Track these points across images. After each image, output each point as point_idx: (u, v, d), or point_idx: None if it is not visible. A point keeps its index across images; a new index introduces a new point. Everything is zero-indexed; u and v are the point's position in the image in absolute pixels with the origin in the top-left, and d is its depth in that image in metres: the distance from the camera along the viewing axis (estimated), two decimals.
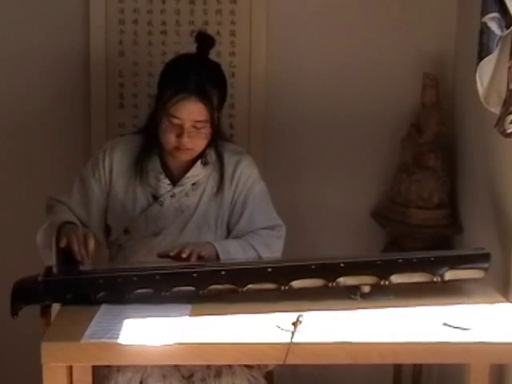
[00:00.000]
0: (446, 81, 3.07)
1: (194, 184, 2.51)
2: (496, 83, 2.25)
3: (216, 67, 2.51)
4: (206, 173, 2.51)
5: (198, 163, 2.50)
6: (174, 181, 2.51)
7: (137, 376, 2.31)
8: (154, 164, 2.50)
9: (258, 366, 2.39)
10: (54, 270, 2.23)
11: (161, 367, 2.29)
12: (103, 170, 2.51)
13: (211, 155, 2.51)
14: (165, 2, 3.04)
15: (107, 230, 2.56)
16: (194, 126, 2.38)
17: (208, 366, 2.30)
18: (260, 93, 3.07)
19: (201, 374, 2.31)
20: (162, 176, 2.50)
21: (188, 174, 2.50)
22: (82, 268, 2.23)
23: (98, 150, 2.61)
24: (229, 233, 2.55)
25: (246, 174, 2.54)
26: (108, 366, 2.35)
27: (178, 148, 2.41)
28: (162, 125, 2.40)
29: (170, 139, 2.40)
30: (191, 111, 2.36)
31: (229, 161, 2.53)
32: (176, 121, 2.37)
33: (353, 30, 3.07)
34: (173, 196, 2.50)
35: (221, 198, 2.52)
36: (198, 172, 2.50)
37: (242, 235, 2.50)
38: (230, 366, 2.32)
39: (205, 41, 2.52)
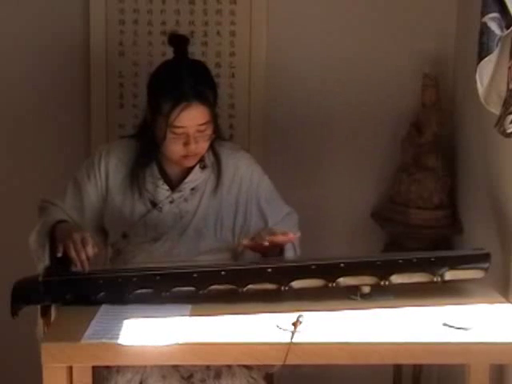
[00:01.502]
0: (446, 81, 3.07)
1: (192, 189, 2.49)
2: (496, 83, 2.25)
3: (201, 65, 2.48)
4: (205, 176, 2.49)
5: (197, 168, 2.47)
6: (173, 186, 2.49)
7: (136, 377, 2.31)
8: (152, 170, 2.47)
9: (258, 367, 2.39)
10: (48, 271, 2.20)
11: (160, 368, 2.29)
12: (99, 174, 2.48)
13: (209, 157, 2.49)
14: (165, 2, 3.04)
15: (104, 233, 2.54)
16: (198, 130, 2.35)
17: (207, 367, 2.30)
18: (260, 93, 3.07)
19: (200, 374, 2.31)
20: (161, 182, 2.47)
21: (187, 180, 2.48)
22: (76, 269, 2.20)
23: (92, 154, 2.59)
24: (233, 236, 2.53)
25: (247, 174, 2.52)
26: (107, 367, 2.35)
27: (186, 156, 2.39)
28: (167, 138, 2.35)
29: (177, 149, 2.37)
30: (194, 117, 2.34)
31: (227, 162, 2.50)
32: (180, 130, 2.34)
33: (353, 31, 3.07)
34: (172, 202, 2.48)
35: (220, 200, 2.50)
36: (196, 176, 2.48)
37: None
38: (229, 367, 2.32)
39: (180, 41, 2.48)
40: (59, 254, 2.21)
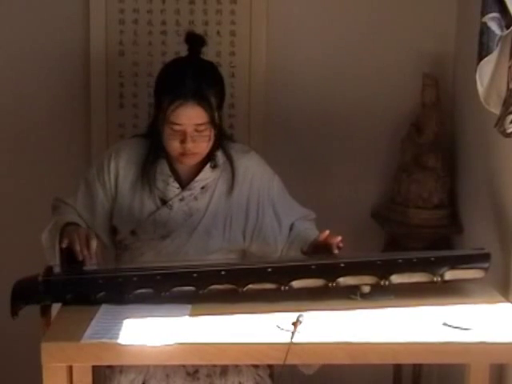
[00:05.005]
0: (446, 81, 3.07)
1: (202, 187, 2.48)
2: (496, 83, 2.25)
3: (210, 66, 2.48)
4: (215, 176, 2.49)
5: (207, 167, 2.47)
6: (183, 184, 2.49)
7: (139, 377, 2.31)
8: (162, 168, 2.47)
9: (264, 366, 2.40)
10: (58, 270, 2.23)
11: (164, 366, 2.29)
12: (108, 175, 2.49)
13: (220, 157, 2.49)
14: (165, 2, 3.04)
15: (114, 230, 2.54)
16: (196, 130, 2.36)
17: (213, 364, 2.30)
18: (260, 93, 3.07)
19: (206, 370, 2.32)
20: (171, 180, 2.47)
21: (197, 178, 2.47)
22: (85, 268, 2.23)
23: (103, 154, 2.59)
24: (243, 236, 2.53)
25: (258, 174, 2.52)
26: (110, 367, 2.35)
27: (183, 154, 2.39)
28: (165, 133, 2.38)
29: (175, 146, 2.38)
30: (191, 116, 2.34)
31: (238, 162, 2.51)
32: (177, 127, 2.35)
33: (353, 30, 3.07)
34: (182, 200, 2.48)
35: (230, 199, 2.50)
36: (207, 175, 2.48)
37: (272, 232, 2.51)
38: (236, 365, 2.32)
39: (195, 41, 2.49)
40: (64, 245, 2.26)
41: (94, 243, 2.25)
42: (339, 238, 2.30)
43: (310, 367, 2.25)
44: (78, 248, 2.24)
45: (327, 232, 2.33)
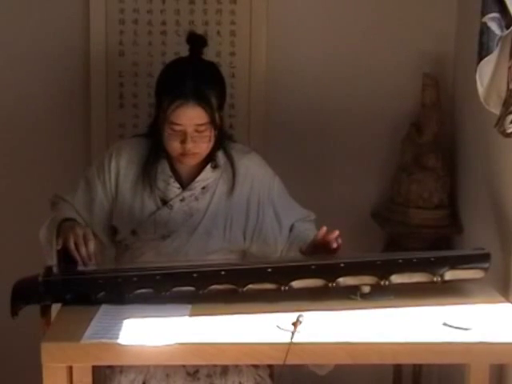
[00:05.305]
0: (446, 81, 3.07)
1: (203, 188, 2.48)
2: (496, 83, 2.25)
3: (211, 66, 2.49)
4: (216, 176, 2.49)
5: (208, 167, 2.47)
6: (183, 185, 2.48)
7: (140, 377, 2.31)
8: (163, 168, 2.47)
9: (264, 366, 2.40)
10: (57, 270, 2.23)
11: (164, 366, 2.29)
12: (109, 174, 2.48)
13: (221, 158, 2.49)
14: (165, 2, 3.04)
15: (114, 230, 2.54)
16: (197, 130, 2.36)
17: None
18: (260, 93, 3.08)
19: (206, 370, 2.32)
20: (172, 180, 2.47)
21: (198, 178, 2.47)
22: (82, 267, 2.22)
23: (103, 153, 2.59)
24: (243, 236, 2.53)
25: (259, 175, 2.52)
26: (110, 367, 2.35)
27: (183, 154, 2.38)
28: (165, 133, 2.38)
29: (175, 146, 2.38)
30: (191, 116, 2.34)
31: (239, 163, 2.50)
32: (178, 127, 2.35)
33: (353, 30, 3.07)
34: (182, 200, 2.47)
35: (230, 200, 2.50)
36: (207, 176, 2.48)
37: (272, 233, 2.51)
38: (236, 365, 2.32)
39: (197, 41, 2.49)
40: (58, 247, 2.25)
41: (91, 244, 2.24)
42: (336, 233, 2.30)
43: (322, 368, 2.24)
44: (72, 247, 2.23)
45: (325, 229, 2.33)
